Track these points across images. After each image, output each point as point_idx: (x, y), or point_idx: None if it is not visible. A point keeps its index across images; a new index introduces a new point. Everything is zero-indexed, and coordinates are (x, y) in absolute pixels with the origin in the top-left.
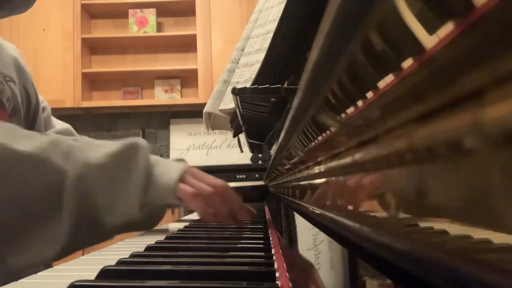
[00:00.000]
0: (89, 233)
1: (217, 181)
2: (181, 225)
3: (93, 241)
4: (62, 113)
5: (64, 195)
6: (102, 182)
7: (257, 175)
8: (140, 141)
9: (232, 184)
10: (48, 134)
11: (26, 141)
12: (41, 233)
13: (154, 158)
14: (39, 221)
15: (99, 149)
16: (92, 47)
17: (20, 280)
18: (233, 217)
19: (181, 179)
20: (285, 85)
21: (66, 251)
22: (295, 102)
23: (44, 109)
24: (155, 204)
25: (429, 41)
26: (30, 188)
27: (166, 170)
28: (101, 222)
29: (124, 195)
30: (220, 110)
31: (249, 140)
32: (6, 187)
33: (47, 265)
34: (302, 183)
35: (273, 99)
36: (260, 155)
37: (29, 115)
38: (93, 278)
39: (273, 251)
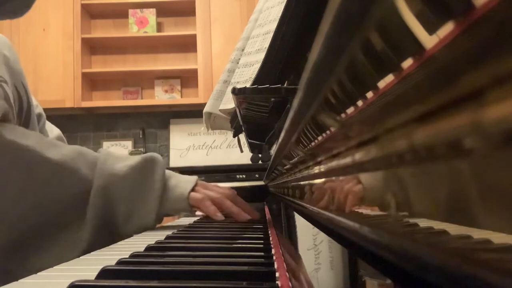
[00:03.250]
0: (106, 239)
1: (225, 189)
2: (181, 225)
3: (107, 245)
4: (62, 113)
5: (89, 204)
6: (125, 192)
7: (257, 175)
8: (157, 155)
9: (232, 184)
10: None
11: (55, 150)
12: (64, 238)
13: (168, 172)
14: (64, 227)
15: (121, 161)
16: (92, 47)
17: (20, 280)
18: (242, 216)
19: (193, 190)
20: (285, 85)
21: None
22: (295, 102)
23: (40, 116)
24: (169, 211)
25: (429, 41)
26: (58, 195)
27: (179, 182)
28: (119, 228)
29: (143, 204)
30: (220, 110)
31: (249, 140)
32: (36, 192)
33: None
34: (302, 183)
35: (273, 99)
36: (260, 155)
37: (21, 115)
38: (93, 278)
39: (273, 251)
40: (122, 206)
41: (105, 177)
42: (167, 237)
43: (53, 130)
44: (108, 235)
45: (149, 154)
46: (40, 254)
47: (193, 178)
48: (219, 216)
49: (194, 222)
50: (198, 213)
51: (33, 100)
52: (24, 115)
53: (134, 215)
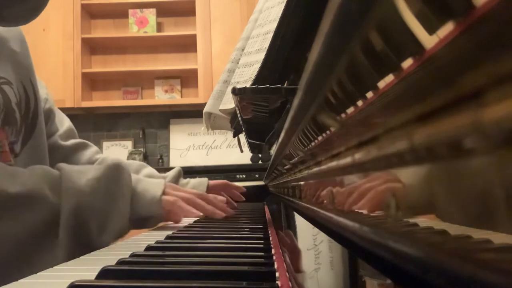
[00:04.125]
0: (82, 252)
1: (194, 191)
2: (181, 225)
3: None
4: None
5: (61, 226)
6: (95, 206)
7: (257, 175)
8: (120, 162)
9: None
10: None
11: (15, 181)
12: (39, 260)
13: (134, 177)
14: (37, 250)
15: (84, 174)
16: (92, 47)
17: (20, 280)
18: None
19: (163, 193)
20: (285, 85)
21: None
22: (295, 102)
23: (50, 111)
24: (143, 217)
25: (429, 41)
26: (26, 224)
27: (148, 186)
28: (95, 241)
29: (115, 213)
30: (220, 110)
31: (249, 140)
32: (2, 227)
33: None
34: (302, 183)
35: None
36: (260, 155)
37: (27, 116)
38: (93, 278)
39: (273, 251)
40: (94, 220)
41: (72, 197)
42: (167, 237)
43: (63, 122)
44: (83, 248)
45: (112, 162)
46: (17, 278)
47: (162, 181)
48: (195, 212)
49: (194, 222)
50: (169, 223)
51: (43, 95)
52: (31, 116)
53: (108, 226)
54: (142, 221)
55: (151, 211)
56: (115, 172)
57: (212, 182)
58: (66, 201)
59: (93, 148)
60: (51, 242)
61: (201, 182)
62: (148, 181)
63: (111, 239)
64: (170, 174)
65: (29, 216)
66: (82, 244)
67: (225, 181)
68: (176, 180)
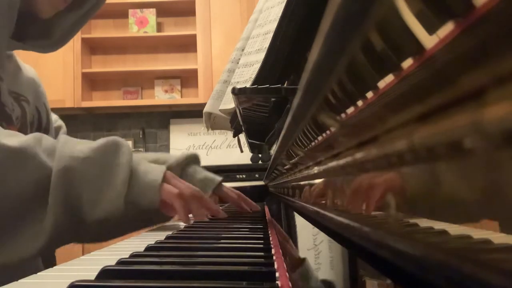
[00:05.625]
0: (71, 228)
1: (190, 187)
2: (181, 225)
3: (76, 236)
4: (62, 113)
5: (50, 189)
6: (87, 175)
7: (257, 175)
8: (120, 139)
9: (232, 184)
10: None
11: (11, 138)
12: (26, 229)
13: (136, 156)
14: (25, 217)
15: (82, 144)
16: (92, 47)
17: (20, 280)
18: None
19: (163, 180)
20: (285, 85)
21: (49, 247)
22: (295, 102)
23: (59, 128)
24: (139, 202)
25: (429, 41)
26: (18, 183)
27: (150, 169)
28: (85, 216)
29: (109, 188)
30: (220, 110)
31: (249, 140)
32: None
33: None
34: (302, 183)
35: (273, 99)
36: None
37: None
38: (93, 278)
39: (273, 251)
40: (86, 190)
41: (65, 159)
42: (167, 237)
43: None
44: (73, 223)
45: (111, 137)
46: (2, 247)
47: (163, 167)
48: (188, 220)
49: (194, 222)
50: (169, 223)
51: (53, 116)
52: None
53: (101, 201)
54: (137, 213)
55: (149, 195)
56: (113, 147)
57: (227, 190)
58: (58, 162)
59: None
60: (39, 210)
61: (212, 181)
62: (149, 164)
63: (104, 217)
64: (178, 157)
65: (23, 174)
66: (71, 218)
67: (239, 193)
68: (183, 167)
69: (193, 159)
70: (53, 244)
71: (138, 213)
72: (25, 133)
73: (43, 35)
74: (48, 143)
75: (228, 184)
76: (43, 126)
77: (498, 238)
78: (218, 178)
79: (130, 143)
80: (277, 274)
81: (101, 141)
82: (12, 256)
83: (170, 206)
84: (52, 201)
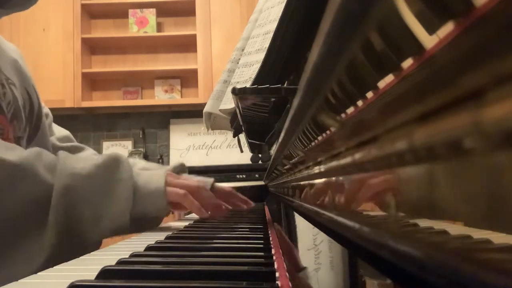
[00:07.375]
0: (72, 246)
1: (194, 181)
2: (181, 225)
3: (77, 252)
4: (62, 113)
5: (51, 208)
6: (89, 192)
7: (257, 175)
8: (120, 155)
9: (232, 184)
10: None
11: (11, 152)
12: (27, 247)
13: (135, 170)
14: (25, 235)
15: (83, 161)
16: (92, 47)
17: (20, 280)
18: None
19: (165, 183)
20: (285, 85)
21: (49, 263)
22: (295, 102)
23: (47, 115)
24: (147, 213)
25: (429, 41)
26: (17, 200)
27: (150, 178)
28: (87, 234)
29: (112, 205)
30: (220, 110)
31: (249, 140)
32: None
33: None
34: (302, 183)
35: (273, 99)
36: (260, 155)
37: (32, 118)
38: (93, 278)
39: (273, 251)
40: (87, 208)
41: (66, 177)
42: (167, 237)
43: (60, 129)
44: (74, 242)
45: (112, 153)
46: (1, 265)
47: (162, 171)
48: (204, 212)
49: (194, 222)
50: (169, 223)
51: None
52: (35, 118)
53: (104, 218)
54: (144, 220)
55: (156, 204)
56: (114, 163)
57: (219, 186)
58: (59, 181)
59: (90, 150)
60: (39, 229)
61: (205, 181)
62: (147, 173)
63: (107, 234)
64: (171, 167)
65: (23, 191)
66: (72, 237)
67: (231, 189)
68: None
69: (181, 169)
70: (51, 263)
71: (146, 222)
72: (19, 117)
73: None
74: (48, 159)
75: (228, 184)
76: (35, 112)
77: (498, 238)
78: (211, 178)
79: (130, 143)
80: (277, 274)
81: (102, 157)
82: (8, 275)
83: (180, 204)
84: (52, 221)
